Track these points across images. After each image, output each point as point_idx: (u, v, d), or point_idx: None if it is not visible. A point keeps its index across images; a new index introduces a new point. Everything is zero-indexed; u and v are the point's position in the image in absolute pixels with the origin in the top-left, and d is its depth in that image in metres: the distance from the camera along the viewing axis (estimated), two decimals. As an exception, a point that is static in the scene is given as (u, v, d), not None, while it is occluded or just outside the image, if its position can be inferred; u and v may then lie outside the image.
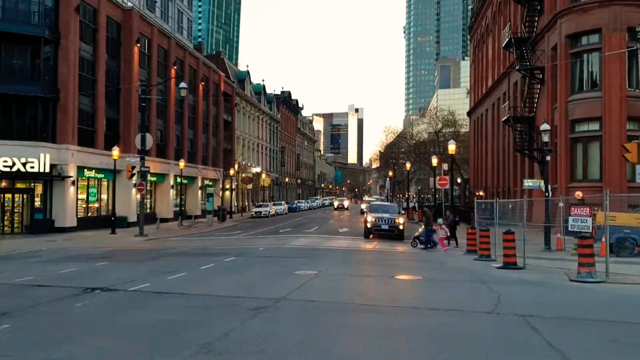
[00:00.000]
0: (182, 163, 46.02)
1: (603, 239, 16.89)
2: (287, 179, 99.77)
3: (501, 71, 49.52)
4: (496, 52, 52.73)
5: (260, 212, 58.69)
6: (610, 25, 31.02)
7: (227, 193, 59.81)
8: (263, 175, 76.36)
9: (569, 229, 18.71)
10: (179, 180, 48.46)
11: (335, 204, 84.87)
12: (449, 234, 25.42)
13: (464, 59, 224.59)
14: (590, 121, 32.56)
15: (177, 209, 48.93)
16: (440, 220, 25.25)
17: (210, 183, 57.91)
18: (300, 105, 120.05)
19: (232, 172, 57.04)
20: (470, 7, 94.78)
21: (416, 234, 26.37)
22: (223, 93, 62.73)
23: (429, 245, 24.54)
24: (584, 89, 33.12)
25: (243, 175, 65.80)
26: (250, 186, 70.19)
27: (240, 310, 9.83)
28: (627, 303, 11.60)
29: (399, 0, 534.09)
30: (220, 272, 15.90)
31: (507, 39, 40.12)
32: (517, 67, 39.21)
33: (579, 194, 27.93)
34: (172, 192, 49.50)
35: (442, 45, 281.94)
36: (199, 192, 55.53)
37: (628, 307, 11.11)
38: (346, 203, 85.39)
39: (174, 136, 50.28)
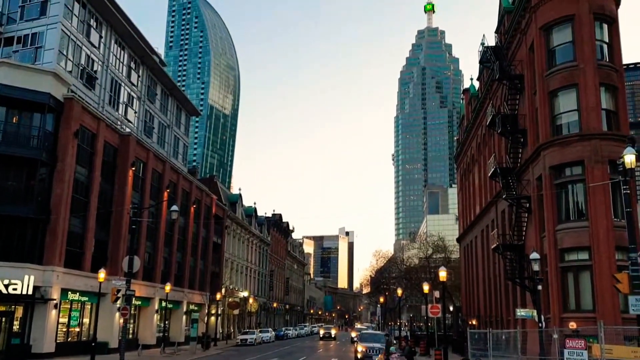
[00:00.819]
0: (168, 287, 45.13)
1: (601, 375, 16.29)
2: (275, 304, 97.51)
3: (488, 199, 50.45)
4: (482, 180, 54.09)
5: (246, 339, 56.65)
6: (592, 158, 32.13)
7: (213, 318, 58.09)
8: (250, 300, 74.71)
9: (566, 363, 18.12)
10: (164, 304, 47.23)
11: (321, 332, 76.61)
12: None
13: (451, 186, 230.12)
14: (579, 250, 32.65)
15: (161, 334, 47.20)
16: (393, 349, 24.24)
17: (196, 308, 56.41)
18: (290, 228, 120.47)
19: (218, 296, 55.83)
20: (455, 138, 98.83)
21: None
22: (214, 216, 63.11)
23: None
24: (571, 218, 33.58)
25: (230, 299, 64.31)
26: (236, 311, 68.41)
27: None
28: None
29: (388, 129, 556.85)
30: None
31: (492, 169, 41.31)
32: (503, 196, 40.01)
33: (572, 324, 27.34)
34: (156, 316, 48.03)
35: (429, 173, 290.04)
36: (184, 317, 53.92)
37: None
38: (333, 332, 76.77)
39: (162, 259, 49.76)
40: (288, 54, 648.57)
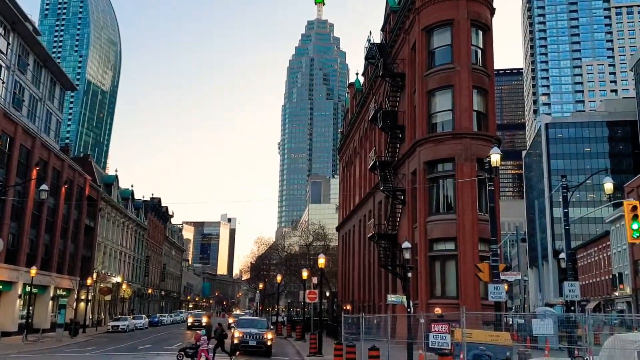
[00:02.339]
0: (33, 270, 42.22)
1: (461, 356, 17.62)
2: (150, 290, 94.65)
3: (367, 191, 52.40)
4: (363, 172, 56.04)
5: (118, 326, 54.51)
6: (462, 156, 34.45)
7: (82, 304, 55.29)
8: (124, 286, 71.94)
9: (430, 345, 19.36)
10: (28, 289, 44.15)
11: (189, 321, 60.60)
12: (209, 346, 24.55)
13: (333, 177, 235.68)
14: (447, 241, 34.96)
15: (24, 321, 44.12)
16: (203, 332, 24.88)
17: (64, 293, 53.37)
18: (170, 213, 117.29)
19: (89, 281, 53.22)
20: (340, 130, 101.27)
21: (184, 346, 25.70)
22: (87, 197, 59.88)
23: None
24: (441, 211, 35.83)
25: (102, 285, 61.50)
26: (108, 297, 65.58)
27: None
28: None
29: (275, 118, 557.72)
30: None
31: (372, 162, 42.97)
32: (381, 188, 41.82)
33: (438, 310, 29.26)
34: (18, 302, 44.80)
35: (313, 163, 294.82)
36: (51, 302, 50.78)
37: None
38: (205, 320, 57.31)
39: (28, 241, 46.45)
40: (176, 36, 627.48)
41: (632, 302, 72.86)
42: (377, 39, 49.19)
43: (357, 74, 66.52)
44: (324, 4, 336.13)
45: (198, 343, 23.62)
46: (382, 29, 51.28)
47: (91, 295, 57.02)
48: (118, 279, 70.40)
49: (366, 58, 48.70)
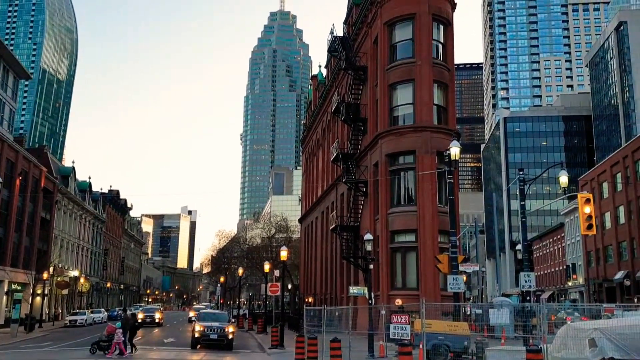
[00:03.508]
0: (-14, 265, 41.00)
1: (420, 346, 17.92)
2: (108, 284, 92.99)
3: (330, 182, 52.60)
4: (326, 164, 56.19)
5: (76, 320, 53.40)
6: (422, 149, 34.91)
7: (38, 299, 53.96)
8: (81, 280, 70.48)
9: (390, 336, 19.63)
10: (-20, 284, 42.85)
11: (140, 317, 45.96)
12: (122, 338, 24.59)
13: (296, 169, 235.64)
14: (407, 233, 35.42)
15: (-25, 317, 42.83)
16: (118, 325, 25.02)
17: (19, 287, 51.99)
18: (129, 205, 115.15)
19: (45, 275, 51.92)
20: (302, 122, 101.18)
21: (97, 339, 25.76)
22: (43, 189, 58.30)
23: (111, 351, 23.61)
24: (402, 203, 36.26)
25: (58, 278, 60.10)
26: (66, 291, 64.13)
27: None
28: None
29: (237, 109, 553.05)
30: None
31: (335, 154, 43.14)
32: (343, 180, 42.03)
33: (398, 301, 29.67)
34: (-30, 297, 43.47)
35: (276, 154, 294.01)
36: (5, 297, 49.40)
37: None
38: (158, 316, 53.63)
39: (-20, 234, 45.03)
40: (135, 24, 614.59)
41: (584, 292, 75.34)
42: (339, 32, 49.34)
43: (319, 66, 66.59)
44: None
45: (112, 335, 23.64)
46: (345, 22, 51.38)
47: (47, 289, 55.66)
48: (75, 273, 68.93)
49: (329, 51, 48.72)
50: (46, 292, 54.59)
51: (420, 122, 35.36)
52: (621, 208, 64.27)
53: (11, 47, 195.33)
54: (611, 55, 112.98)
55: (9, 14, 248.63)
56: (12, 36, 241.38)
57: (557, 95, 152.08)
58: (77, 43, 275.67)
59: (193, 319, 42.64)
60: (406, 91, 36.66)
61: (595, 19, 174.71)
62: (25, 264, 53.65)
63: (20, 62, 63.35)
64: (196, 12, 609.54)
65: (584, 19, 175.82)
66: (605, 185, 68.64)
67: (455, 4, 38.76)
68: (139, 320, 41.44)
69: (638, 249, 60.58)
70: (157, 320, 53.51)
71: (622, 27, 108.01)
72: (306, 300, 58.41)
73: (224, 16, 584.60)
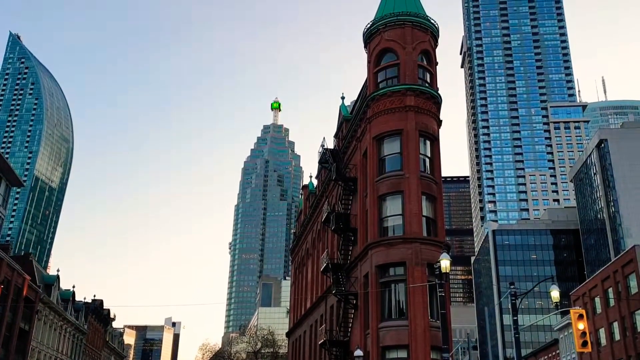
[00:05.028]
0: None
1: None
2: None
3: (319, 294, 51.56)
4: (315, 275, 55.40)
5: None
6: (412, 260, 34.68)
7: (8, 417, 50.66)
8: (56, 396, 66.60)
9: None
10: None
11: None
12: None
13: (285, 279, 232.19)
14: (399, 349, 34.22)
15: None
16: None
17: (-12, 404, 48.98)
18: (112, 316, 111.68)
19: (18, 391, 49.09)
20: (292, 231, 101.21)
21: None
22: (25, 298, 56.66)
23: None
24: (393, 316, 35.39)
25: (32, 395, 56.82)
26: (38, 409, 60.32)
27: None
28: None
29: (227, 219, 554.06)
30: None
31: (325, 264, 42.69)
32: (333, 292, 41.27)
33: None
34: None
35: (265, 264, 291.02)
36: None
37: None
38: None
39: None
40: (130, 135, 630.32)
41: (584, 413, 71.88)
42: (330, 144, 50.77)
43: (310, 176, 67.72)
44: (280, 110, 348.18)
45: None
46: (336, 136, 53.01)
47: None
48: (49, 389, 65.26)
49: (320, 162, 49.83)
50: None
51: (410, 234, 35.44)
52: (615, 324, 63.07)
53: (7, 155, 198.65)
54: (594, 171, 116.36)
55: (8, 123, 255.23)
56: (9, 144, 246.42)
57: (544, 209, 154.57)
58: (73, 152, 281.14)
59: None
60: (395, 203, 37.08)
61: (576, 136, 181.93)
62: (-3, 378, 50.91)
63: (14, 169, 64.05)
64: (189, 122, 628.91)
65: (566, 136, 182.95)
66: (597, 300, 67.83)
67: (441, 121, 40.30)
68: None
69: (636, 368, 58.68)
70: None
71: (603, 145, 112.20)
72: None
73: (217, 127, 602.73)
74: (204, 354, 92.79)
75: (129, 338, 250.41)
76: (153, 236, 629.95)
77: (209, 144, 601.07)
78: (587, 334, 22.04)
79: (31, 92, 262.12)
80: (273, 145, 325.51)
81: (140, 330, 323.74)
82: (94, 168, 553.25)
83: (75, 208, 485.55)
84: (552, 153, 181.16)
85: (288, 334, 71.39)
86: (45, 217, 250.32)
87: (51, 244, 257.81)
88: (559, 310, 68.59)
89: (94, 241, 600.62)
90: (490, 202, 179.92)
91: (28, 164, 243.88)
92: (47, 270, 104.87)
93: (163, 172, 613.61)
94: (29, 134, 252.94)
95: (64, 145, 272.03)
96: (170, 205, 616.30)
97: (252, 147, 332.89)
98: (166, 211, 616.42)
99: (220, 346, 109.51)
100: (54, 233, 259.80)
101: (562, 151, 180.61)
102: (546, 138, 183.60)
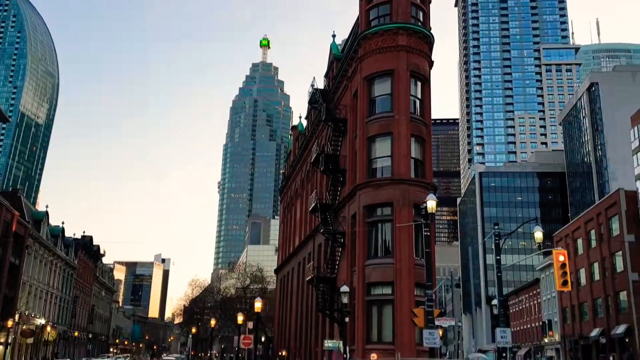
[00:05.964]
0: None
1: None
2: (76, 333, 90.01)
3: (307, 233, 52.31)
4: (304, 215, 56.02)
5: (40, 371, 51.40)
6: (400, 201, 35.08)
7: (1, 348, 51.92)
8: (48, 328, 68.15)
9: (365, 392, 19.17)
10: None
11: None
12: None
13: (274, 218, 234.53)
14: (384, 285, 35.12)
15: None
16: None
17: (-18, 336, 50.04)
18: (101, 252, 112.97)
19: (10, 323, 50.14)
20: (282, 171, 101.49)
21: None
22: (14, 234, 56.98)
23: None
24: (379, 255, 36.11)
25: (24, 327, 58.06)
26: (31, 340, 61.86)
27: None
28: None
29: (216, 157, 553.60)
30: None
31: (313, 204, 43.09)
32: (321, 231, 41.85)
33: (373, 356, 29.15)
34: None
35: (254, 203, 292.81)
36: (-35, 346, 47.46)
37: None
38: None
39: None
40: (116, 71, 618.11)
41: (560, 349, 74.96)
42: (320, 84, 50.21)
43: (300, 117, 67.30)
44: (269, 47, 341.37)
45: None
46: (326, 75, 52.35)
47: (11, 337, 53.65)
48: (42, 321, 66.67)
49: (309, 102, 49.44)
50: (9, 341, 52.59)
51: (398, 175, 35.68)
52: (596, 265, 64.86)
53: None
54: (583, 115, 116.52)
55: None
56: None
57: (532, 152, 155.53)
58: (58, 88, 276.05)
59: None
60: (384, 144, 37.11)
61: (567, 79, 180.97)
62: (-10, 311, 51.84)
63: (-1, 104, 62.91)
64: (179, 60, 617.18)
65: (557, 79, 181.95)
66: (579, 241, 69.44)
67: (432, 62, 39.83)
68: None
69: (613, 307, 60.80)
70: None
71: (593, 88, 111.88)
72: (280, 353, 57.05)
73: (205, 65, 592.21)
74: (193, 289, 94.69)
75: (119, 274, 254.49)
76: (142, 174, 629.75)
77: (198, 82, 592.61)
78: (568, 274, 22.66)
79: (13, 24, 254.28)
80: (262, 85, 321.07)
81: (130, 266, 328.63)
82: (81, 105, 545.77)
83: (62, 144, 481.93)
84: (542, 96, 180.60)
85: (276, 271, 72.81)
86: (33, 153, 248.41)
87: (39, 180, 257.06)
88: (542, 251, 70.28)
89: (82, 179, 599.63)
90: (478, 144, 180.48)
91: (13, 99, 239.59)
92: (36, 207, 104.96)
93: (151, 111, 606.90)
94: (12, 68, 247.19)
95: (49, 80, 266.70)
96: (160, 143, 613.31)
97: (241, 86, 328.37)
98: (156, 149, 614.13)
99: (209, 282, 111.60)
100: (41, 170, 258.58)
101: (553, 94, 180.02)
102: (537, 81, 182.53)
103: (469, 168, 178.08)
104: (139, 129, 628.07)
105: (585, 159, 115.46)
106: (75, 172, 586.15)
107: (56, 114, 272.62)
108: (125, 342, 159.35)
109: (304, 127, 63.20)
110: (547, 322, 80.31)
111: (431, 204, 24.29)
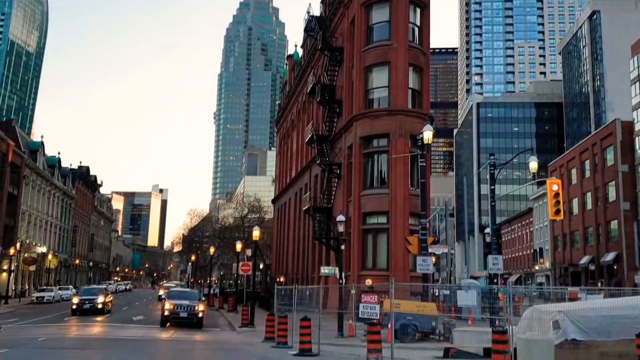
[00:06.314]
0: (-50, 240, 40.13)
1: (389, 326, 18.17)
2: (77, 261, 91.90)
3: (304, 164, 52.55)
4: (300, 146, 56.07)
5: (43, 297, 52.69)
6: (396, 132, 35.07)
7: (5, 275, 53.14)
8: (49, 256, 69.49)
9: (360, 315, 19.88)
10: (-56, 259, 41.96)
11: (74, 301, 36.16)
12: None
13: (270, 149, 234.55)
14: (379, 214, 35.70)
15: (-61, 293, 42.00)
16: None
17: (-15, 263, 51.08)
18: (99, 182, 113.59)
19: (12, 251, 51.06)
20: (277, 102, 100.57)
21: None
22: (10, 163, 57.03)
23: None
24: (375, 185, 36.49)
25: (25, 255, 59.19)
26: (33, 268, 63.20)
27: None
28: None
29: (210, 87, 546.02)
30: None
31: (309, 135, 43.05)
32: (317, 162, 42.03)
33: (368, 281, 29.97)
34: None
35: (250, 134, 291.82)
36: (-31, 273, 48.51)
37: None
38: (101, 300, 36.95)
39: (-56, 208, 43.93)
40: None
41: (550, 276, 77.21)
42: (317, 11, 48.91)
43: (295, 46, 66.03)
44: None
45: None
46: (322, 2, 50.95)
47: (14, 265, 54.80)
48: (43, 249, 67.92)
49: (305, 30, 48.32)
50: (12, 268, 53.74)
51: (395, 106, 35.47)
52: (588, 194, 65.75)
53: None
54: (584, 44, 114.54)
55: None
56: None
57: (530, 82, 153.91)
58: (47, 15, 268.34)
59: (163, 297, 42.21)
60: (382, 74, 36.68)
61: (569, 6, 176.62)
62: (-9, 240, 52.68)
63: (-13, 32, 61.36)
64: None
65: (559, 7, 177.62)
66: (574, 171, 70.06)
67: (432, -12, 38.71)
68: (73, 307, 34.91)
69: (603, 235, 62.16)
70: (99, 307, 36.52)
71: (595, 16, 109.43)
72: (277, 279, 58.61)
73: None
74: (192, 219, 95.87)
75: (117, 204, 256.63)
76: (138, 104, 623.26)
77: (191, 7, 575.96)
78: (561, 203, 22.98)
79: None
80: (256, 12, 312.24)
81: (129, 196, 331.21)
82: (71, 35, 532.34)
83: (55, 76, 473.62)
84: (543, 24, 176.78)
85: (274, 201, 73.62)
86: (25, 82, 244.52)
87: (33, 110, 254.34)
88: (536, 181, 70.96)
89: (76, 109, 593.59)
90: (477, 74, 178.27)
91: (1, 26, 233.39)
92: (31, 138, 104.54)
93: (143, 40, 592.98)
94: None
95: (37, 7, 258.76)
96: (153, 74, 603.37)
97: (235, 13, 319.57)
98: (149, 80, 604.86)
99: (208, 212, 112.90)
100: (35, 100, 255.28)
101: (554, 22, 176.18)
102: (538, 8, 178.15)
103: (466, 99, 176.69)
104: (133, 58, 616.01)
105: (584, 89, 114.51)
106: (68, 103, 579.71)
107: (47, 42, 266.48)
108: (126, 270, 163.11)
109: (300, 56, 62.11)
110: (538, 250, 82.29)
111: (427, 135, 24.27)
